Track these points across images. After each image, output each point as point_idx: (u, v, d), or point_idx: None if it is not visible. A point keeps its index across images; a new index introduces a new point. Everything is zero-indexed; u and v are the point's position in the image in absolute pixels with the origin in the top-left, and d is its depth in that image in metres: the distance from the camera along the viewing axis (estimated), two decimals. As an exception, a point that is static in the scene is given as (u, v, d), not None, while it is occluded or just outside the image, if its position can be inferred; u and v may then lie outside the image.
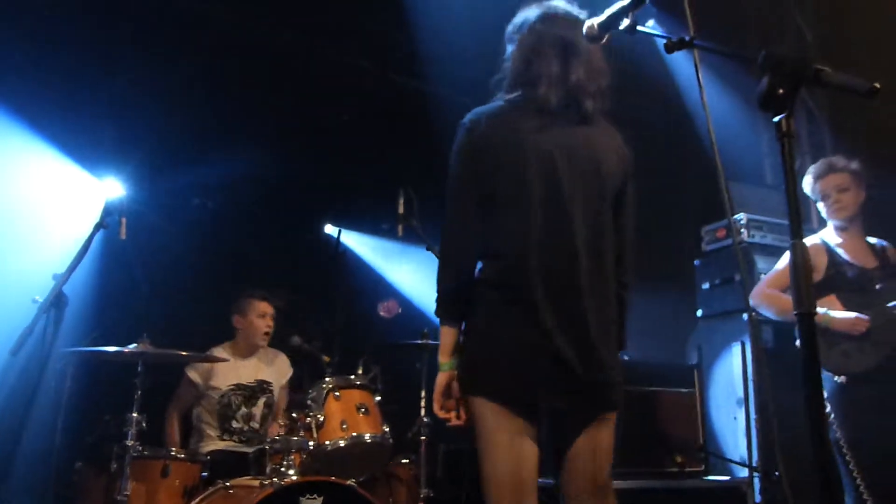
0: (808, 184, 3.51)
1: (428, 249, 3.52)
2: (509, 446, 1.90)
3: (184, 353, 3.15)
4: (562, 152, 1.99)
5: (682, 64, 4.67)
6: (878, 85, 1.15)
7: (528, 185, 1.96)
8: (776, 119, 1.28)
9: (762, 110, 1.29)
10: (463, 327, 2.02)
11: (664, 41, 1.59)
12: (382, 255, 5.32)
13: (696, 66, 1.60)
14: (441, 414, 2.04)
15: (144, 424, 2.87)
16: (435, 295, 2.02)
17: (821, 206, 3.51)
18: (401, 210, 3.54)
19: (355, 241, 5.28)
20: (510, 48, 2.12)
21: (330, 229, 5.19)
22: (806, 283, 1.21)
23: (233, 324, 3.93)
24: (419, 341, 3.59)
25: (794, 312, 1.23)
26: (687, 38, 1.54)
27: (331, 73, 4.91)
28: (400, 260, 5.21)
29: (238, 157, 4.67)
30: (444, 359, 2.02)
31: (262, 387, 3.88)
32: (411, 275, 5.21)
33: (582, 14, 2.07)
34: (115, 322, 3.64)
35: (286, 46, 4.80)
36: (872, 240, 3.51)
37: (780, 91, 1.27)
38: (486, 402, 1.92)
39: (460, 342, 2.01)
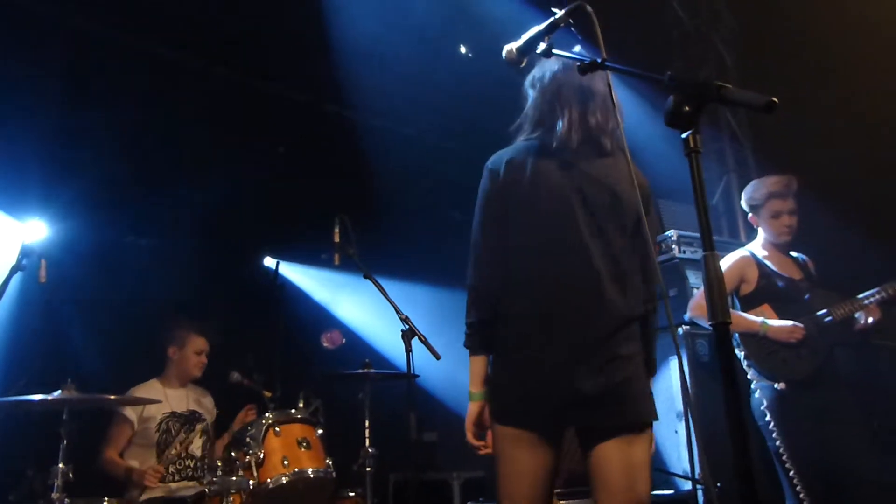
0: (758, 198, 3.53)
1: (366, 277, 3.49)
2: (519, 471, 2.00)
3: (112, 398, 3.04)
4: (581, 188, 2.12)
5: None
6: (775, 100, 1.20)
7: (551, 217, 2.09)
8: (683, 136, 1.32)
9: (670, 127, 1.33)
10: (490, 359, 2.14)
11: (578, 64, 1.62)
12: (322, 285, 5.27)
13: (609, 86, 1.64)
14: (473, 442, 2.16)
15: (71, 475, 2.75)
16: (465, 329, 2.14)
17: (764, 220, 3.54)
18: (337, 239, 3.50)
19: (294, 273, 5.21)
20: (531, 94, 2.27)
21: (269, 262, 5.11)
22: (720, 294, 1.24)
23: (167, 354, 3.85)
24: (361, 371, 3.54)
25: (709, 323, 1.25)
26: (599, 60, 1.58)
27: (263, 106, 4.90)
28: (340, 290, 5.17)
29: (172, 193, 4.60)
30: (476, 388, 2.13)
31: (195, 415, 3.82)
32: (352, 304, 5.17)
33: (599, 60, 2.18)
34: (38, 369, 3.49)
35: (219, 81, 4.77)
36: (794, 253, 3.64)
37: (686, 108, 1.31)
38: (503, 429, 2.03)
39: (488, 373, 2.13)
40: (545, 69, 2.23)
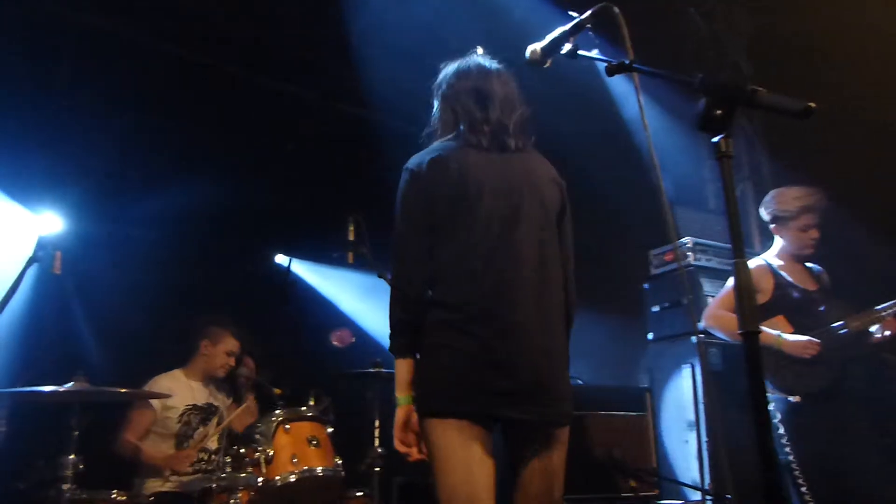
0: (791, 210, 3.45)
1: (379, 276, 3.46)
2: (463, 462, 1.94)
3: (122, 391, 3.03)
4: (503, 181, 2.14)
5: (628, 94, 4.77)
6: (812, 104, 1.18)
7: (474, 212, 2.08)
8: (714, 140, 1.30)
9: (700, 131, 1.31)
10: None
11: (605, 65, 1.61)
12: (334, 283, 5.26)
13: (636, 88, 1.62)
14: (402, 448, 2.08)
15: (82, 466, 2.75)
16: (388, 331, 2.10)
17: (790, 232, 3.48)
18: (350, 237, 3.49)
19: (306, 271, 5.21)
20: (435, 103, 2.33)
21: (280, 259, 5.11)
22: (749, 303, 1.21)
23: (198, 346, 3.85)
24: (371, 370, 3.53)
25: (739, 332, 1.23)
26: (626, 62, 1.56)
27: (276, 104, 4.90)
28: (351, 288, 5.16)
29: (185, 189, 4.59)
30: (402, 393, 2.07)
31: (212, 408, 3.83)
32: (363, 303, 5.16)
33: (493, 64, 2.30)
34: (50, 360, 3.49)
35: (231, 78, 4.78)
36: (809, 264, 3.60)
37: (718, 112, 1.29)
38: (439, 422, 1.97)
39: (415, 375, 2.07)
40: (442, 78, 2.31)
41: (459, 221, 2.08)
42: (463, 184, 2.09)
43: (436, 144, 2.22)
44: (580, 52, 1.81)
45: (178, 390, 3.69)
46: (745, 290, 1.21)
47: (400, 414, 2.06)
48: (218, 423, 3.81)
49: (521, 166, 2.19)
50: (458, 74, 2.27)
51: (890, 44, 4.25)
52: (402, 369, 2.06)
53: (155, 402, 3.64)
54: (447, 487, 1.94)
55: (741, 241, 1.25)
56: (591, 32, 1.87)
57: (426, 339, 2.04)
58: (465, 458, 1.93)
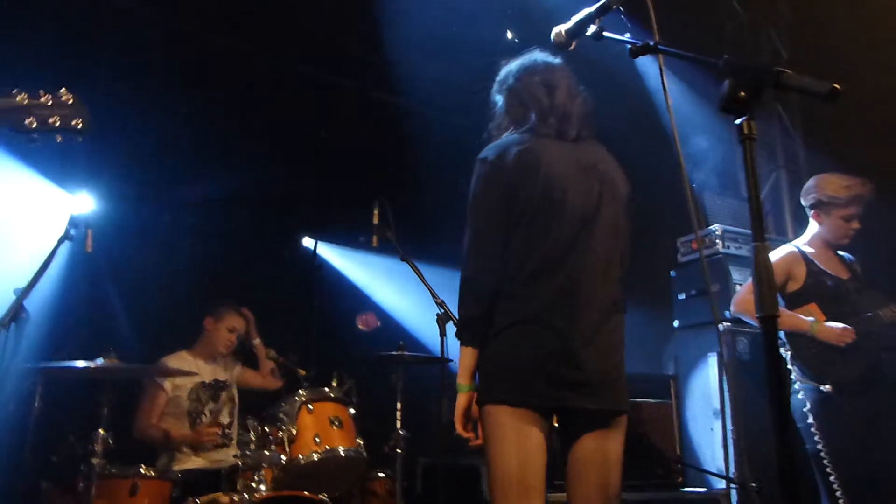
0: (842, 198, 3.37)
1: (403, 260, 3.49)
2: (519, 451, 1.97)
3: (152, 367, 3.09)
4: (576, 170, 2.15)
5: (658, 78, 4.70)
6: (838, 86, 1.15)
7: (552, 203, 2.08)
8: (737, 122, 1.27)
9: (724, 113, 1.28)
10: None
11: (629, 46, 1.58)
12: (360, 267, 5.29)
13: (661, 70, 1.60)
14: (465, 434, 2.13)
15: (111, 442, 2.82)
16: (457, 318, 2.12)
17: (832, 219, 3.40)
18: (375, 221, 3.51)
19: (332, 254, 5.25)
20: (500, 99, 2.33)
21: (307, 242, 5.15)
22: (768, 287, 1.19)
23: (203, 323, 3.92)
24: (395, 353, 3.55)
25: (757, 315, 1.21)
26: (651, 43, 1.53)
27: (305, 89, 4.93)
28: (376, 272, 5.19)
29: (215, 173, 4.66)
30: (465, 381, 2.10)
31: (219, 384, 3.89)
32: (388, 286, 5.18)
33: (556, 60, 2.32)
34: (81, 338, 3.57)
35: (263, 64, 4.81)
36: (841, 252, 3.53)
37: (742, 94, 1.27)
38: (501, 408, 2.00)
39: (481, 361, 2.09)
40: (507, 73, 2.33)
41: (542, 219, 2.08)
42: (548, 181, 2.09)
43: (512, 136, 2.21)
44: (605, 33, 1.78)
45: (187, 368, 3.74)
46: (763, 274, 1.19)
47: (462, 400, 2.10)
48: (229, 397, 3.89)
49: (593, 157, 2.21)
50: (526, 68, 2.29)
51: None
52: (468, 357, 2.08)
53: (165, 383, 3.70)
54: (502, 474, 1.98)
55: (762, 225, 1.23)
56: (623, 15, 1.84)
57: (495, 331, 2.05)
58: (522, 446, 1.96)
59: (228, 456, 3.59)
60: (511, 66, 2.34)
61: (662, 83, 1.61)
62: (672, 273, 4.40)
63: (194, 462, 3.60)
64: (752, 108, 1.27)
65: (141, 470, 3.04)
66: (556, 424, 2.09)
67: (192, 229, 4.75)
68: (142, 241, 4.40)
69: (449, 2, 4.29)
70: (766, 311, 1.19)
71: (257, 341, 4.08)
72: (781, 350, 3.42)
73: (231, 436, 3.79)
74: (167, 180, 4.61)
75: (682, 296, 4.26)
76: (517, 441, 1.96)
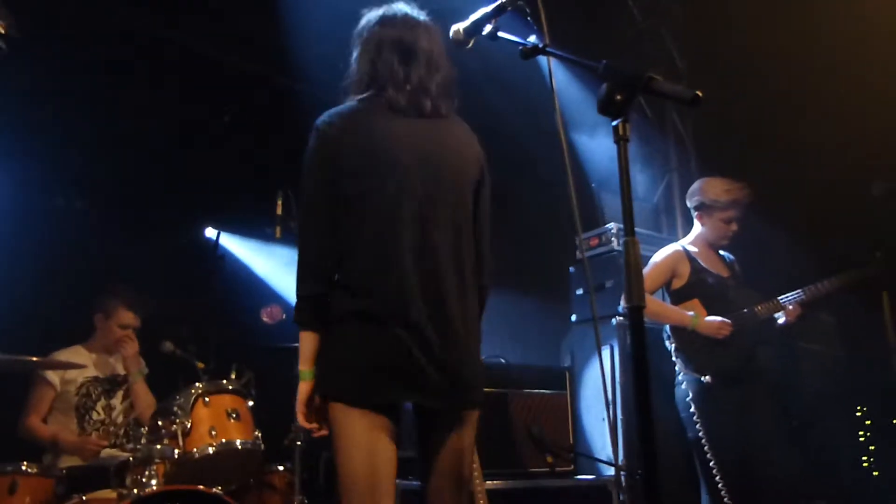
0: (722, 201, 3.54)
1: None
2: (365, 448, 1.89)
3: (35, 359, 2.94)
4: (417, 153, 2.01)
5: (563, 81, 4.85)
6: (699, 93, 1.24)
7: (385, 187, 1.96)
8: (613, 123, 1.35)
9: (601, 114, 1.36)
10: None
11: (520, 48, 1.65)
12: (263, 258, 5.21)
13: (549, 72, 1.67)
14: (306, 424, 2.01)
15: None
16: (295, 302, 1.99)
17: (714, 221, 3.58)
18: (279, 211, 3.48)
19: (235, 244, 5.14)
20: (355, 52, 2.15)
21: (211, 232, 5.02)
22: (637, 279, 1.28)
23: (93, 320, 3.77)
24: (296, 345, 3.52)
25: (625, 306, 1.30)
26: (540, 45, 1.60)
27: (208, 73, 4.80)
28: (280, 263, 5.12)
29: (112, 157, 4.47)
30: (306, 367, 1.98)
31: (117, 380, 3.76)
32: (290, 277, 5.12)
33: (421, 15, 2.14)
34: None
35: (165, 45, 4.65)
36: (722, 252, 3.77)
37: (618, 97, 1.35)
38: (343, 407, 1.91)
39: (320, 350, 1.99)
40: (364, 24, 2.14)
41: (369, 196, 1.95)
42: (374, 154, 1.96)
43: (348, 103, 2.06)
44: (500, 33, 1.84)
45: (80, 362, 3.60)
46: (633, 267, 1.27)
47: (304, 388, 1.98)
48: (125, 395, 3.75)
49: (439, 135, 2.06)
50: (383, 21, 2.10)
51: (820, 44, 4.43)
52: (308, 342, 1.97)
53: (54, 379, 3.56)
54: (348, 473, 1.89)
55: (632, 222, 1.32)
56: (529, 17, 1.89)
57: (332, 320, 1.95)
58: (368, 444, 1.88)
59: (120, 454, 3.47)
60: (370, 17, 2.14)
61: (551, 85, 1.68)
62: (571, 269, 4.56)
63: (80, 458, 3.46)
64: (626, 111, 1.35)
65: (22, 467, 2.90)
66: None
67: (87, 215, 4.55)
68: (28, 229, 4.18)
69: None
70: (633, 301, 1.28)
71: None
72: (667, 343, 3.63)
73: (125, 436, 3.63)
74: (58, 164, 4.39)
75: (579, 291, 4.42)
76: (361, 440, 1.88)
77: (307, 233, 2.00)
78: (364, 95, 2.08)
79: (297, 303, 1.98)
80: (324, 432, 2.00)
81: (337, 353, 1.94)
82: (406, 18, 2.11)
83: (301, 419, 2.00)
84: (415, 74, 2.04)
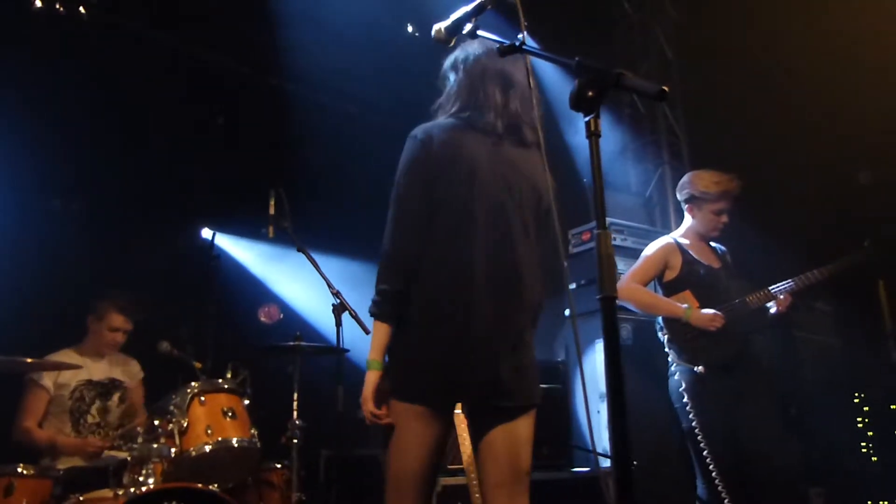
0: (712, 192, 3.57)
1: (299, 251, 3.51)
2: (418, 447, 2.01)
3: (28, 360, 2.97)
4: (505, 173, 2.15)
5: (557, 83, 4.87)
6: (665, 88, 1.27)
7: (474, 200, 2.09)
8: (585, 119, 1.37)
9: (574, 110, 1.38)
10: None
11: (498, 46, 1.67)
12: (257, 257, 5.24)
13: (527, 70, 1.69)
14: (376, 411, 2.08)
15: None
16: (374, 294, 2.07)
17: (704, 213, 3.61)
18: (272, 211, 3.50)
19: (230, 244, 5.17)
20: (453, 76, 2.28)
21: (206, 233, 5.05)
22: (608, 271, 1.30)
23: (86, 322, 3.79)
24: (292, 343, 3.56)
25: (598, 296, 1.32)
26: (517, 44, 1.62)
27: (202, 75, 4.82)
28: (275, 263, 5.16)
29: (107, 159, 4.50)
30: (376, 356, 2.07)
31: (114, 383, 3.79)
32: (285, 277, 5.16)
33: (519, 56, 2.22)
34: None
35: (159, 48, 4.68)
36: (713, 244, 3.79)
37: (590, 93, 1.37)
38: (402, 403, 2.03)
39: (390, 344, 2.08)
40: (468, 51, 2.26)
41: (452, 206, 2.08)
42: (464, 168, 2.10)
43: (447, 121, 2.20)
44: (480, 32, 1.87)
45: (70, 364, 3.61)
46: (605, 258, 1.30)
47: (372, 377, 2.07)
48: (121, 398, 3.77)
49: (519, 161, 2.21)
50: (488, 53, 2.22)
51: (807, 39, 4.46)
52: (382, 333, 2.06)
53: (48, 383, 3.57)
54: (398, 467, 2.02)
55: (604, 214, 1.34)
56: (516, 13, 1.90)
57: (407, 321, 2.05)
58: (421, 442, 2.00)
59: (118, 454, 3.50)
60: (473, 48, 2.26)
61: (529, 83, 1.70)
62: (564, 263, 4.58)
63: (79, 459, 3.49)
64: (598, 107, 1.37)
65: (18, 468, 2.91)
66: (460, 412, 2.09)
67: (82, 218, 4.58)
68: (25, 232, 4.20)
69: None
70: (605, 292, 1.30)
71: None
72: (659, 335, 3.65)
73: (121, 437, 3.65)
74: (56, 166, 4.42)
75: (573, 285, 4.45)
76: (416, 438, 2.00)
77: (397, 230, 2.09)
78: (459, 115, 2.20)
79: (377, 296, 2.07)
80: (389, 421, 2.06)
81: (403, 349, 2.05)
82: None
83: (371, 407, 2.07)
84: (513, 104, 2.18)
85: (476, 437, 2.11)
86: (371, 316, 2.08)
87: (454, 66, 2.28)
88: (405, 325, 2.06)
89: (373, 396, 2.07)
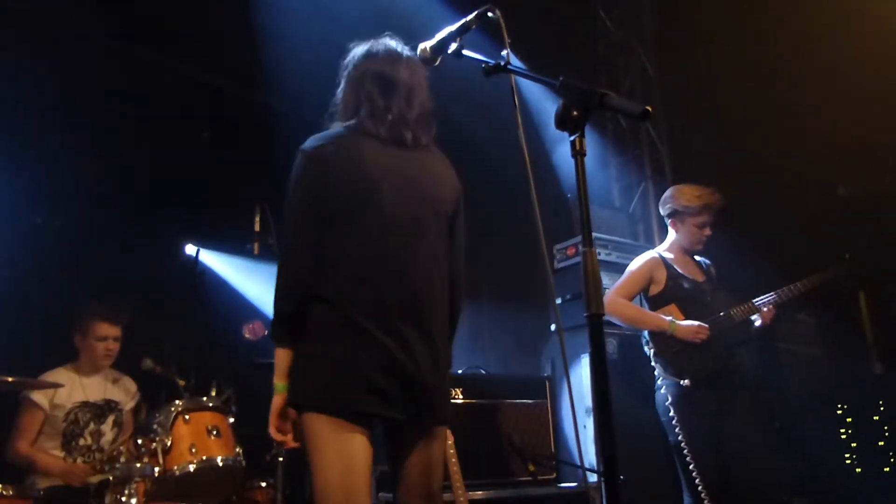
0: (693, 207, 3.59)
1: (284, 267, 3.49)
2: (340, 458, 1.92)
3: (10, 380, 2.93)
4: (399, 180, 2.09)
5: (538, 97, 4.91)
6: (649, 108, 1.29)
7: (369, 208, 2.03)
8: (570, 138, 1.39)
9: (559, 129, 1.40)
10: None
11: (483, 66, 1.69)
12: (242, 274, 5.22)
13: (512, 89, 1.70)
14: (277, 437, 2.05)
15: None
16: (272, 317, 2.03)
17: (687, 227, 3.64)
18: (257, 228, 3.50)
19: (216, 261, 5.14)
20: (342, 83, 2.24)
21: (190, 249, 5.02)
22: (595, 288, 1.31)
23: (74, 342, 3.74)
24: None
25: (585, 314, 1.33)
26: (501, 63, 1.64)
27: (188, 91, 4.82)
28: (258, 279, 5.13)
29: (91, 175, 4.47)
30: (281, 381, 2.02)
31: (110, 405, 3.72)
32: (269, 293, 5.13)
33: (405, 50, 2.22)
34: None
35: (144, 64, 4.68)
36: (698, 257, 3.82)
37: (574, 113, 1.39)
38: (319, 416, 1.94)
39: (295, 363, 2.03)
40: (350, 58, 2.23)
41: (356, 218, 2.02)
42: (361, 177, 2.03)
43: (335, 129, 2.14)
44: (464, 52, 1.88)
45: (69, 385, 3.58)
46: (591, 276, 1.31)
47: (277, 401, 2.03)
48: (115, 421, 3.72)
49: (419, 165, 2.15)
50: (367, 56, 2.19)
51: (789, 50, 4.52)
52: (284, 358, 2.01)
53: (44, 402, 3.52)
54: (324, 482, 1.92)
55: (590, 232, 1.36)
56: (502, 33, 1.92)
57: (310, 332, 1.99)
58: (343, 453, 1.91)
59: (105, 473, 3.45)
60: (357, 51, 2.23)
61: (514, 101, 1.72)
62: (550, 278, 4.59)
63: (61, 479, 3.44)
64: (582, 126, 1.39)
65: (-1, 489, 2.89)
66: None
67: (65, 234, 4.54)
68: (8, 247, 4.16)
69: (331, 9, 4.32)
70: (592, 309, 1.32)
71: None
72: (645, 348, 3.67)
73: (112, 457, 3.59)
74: (39, 181, 4.39)
75: (558, 300, 4.46)
76: (336, 449, 1.91)
77: (293, 251, 2.03)
78: (348, 123, 2.15)
79: (275, 319, 2.02)
80: (295, 445, 2.05)
81: (311, 364, 1.98)
82: (388, 52, 2.20)
83: (274, 431, 2.04)
84: (395, 106, 2.12)
85: (391, 457, 2.09)
86: (272, 340, 2.04)
87: (340, 73, 2.25)
88: (314, 339, 1.98)
89: (277, 420, 2.04)
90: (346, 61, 2.25)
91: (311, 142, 2.11)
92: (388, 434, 2.09)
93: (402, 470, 2.08)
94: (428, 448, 2.07)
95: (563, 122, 1.39)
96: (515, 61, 1.75)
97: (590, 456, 3.97)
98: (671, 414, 3.48)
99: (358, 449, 1.94)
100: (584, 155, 1.37)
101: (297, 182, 2.07)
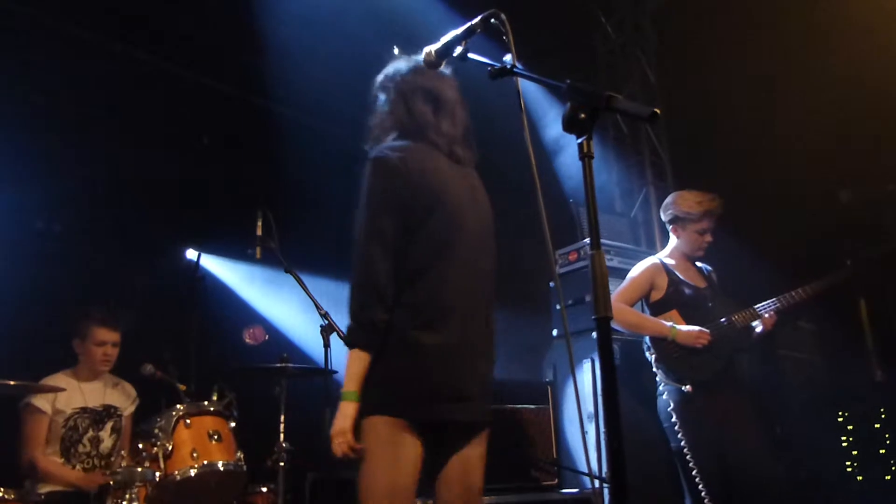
0: (695, 213, 3.60)
1: (287, 272, 3.49)
2: (399, 461, 1.96)
3: (12, 383, 2.91)
4: (465, 192, 2.19)
5: (539, 102, 4.92)
6: (657, 110, 1.29)
7: (441, 216, 2.08)
8: (578, 141, 1.39)
9: (566, 132, 1.40)
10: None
11: (489, 69, 1.69)
12: (243, 278, 5.21)
13: (518, 92, 1.71)
14: (356, 445, 1.97)
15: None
16: (352, 323, 2.01)
17: (688, 233, 3.65)
18: (259, 232, 3.49)
19: (217, 266, 5.13)
20: (383, 96, 2.26)
21: (191, 254, 5.02)
22: (603, 291, 1.31)
23: (72, 347, 3.72)
24: (279, 365, 3.53)
25: (593, 317, 1.33)
26: (508, 67, 1.64)
27: (187, 95, 4.83)
28: (261, 284, 5.13)
29: (91, 181, 4.47)
30: (354, 387, 1.98)
31: (109, 411, 3.71)
32: (272, 298, 5.13)
33: (446, 71, 2.25)
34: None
35: (144, 67, 4.68)
36: (699, 263, 3.82)
37: (582, 116, 1.39)
38: (388, 420, 1.96)
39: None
40: (394, 71, 2.25)
41: (435, 228, 2.06)
42: (434, 187, 2.09)
43: (407, 143, 2.15)
44: (470, 55, 1.89)
45: (69, 390, 3.56)
46: (599, 279, 1.31)
47: (350, 409, 1.97)
48: (114, 427, 3.71)
49: (471, 181, 2.25)
50: (415, 70, 2.21)
51: (788, 59, 4.54)
52: (360, 364, 1.98)
53: (46, 407, 3.50)
54: (377, 481, 1.94)
55: (598, 235, 1.36)
56: (505, 37, 1.92)
57: (392, 340, 2.00)
58: (404, 457, 1.95)
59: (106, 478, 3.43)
60: (399, 65, 2.26)
61: (520, 104, 1.72)
62: (551, 284, 4.60)
63: (63, 483, 3.43)
64: (590, 129, 1.39)
65: (-1, 493, 2.89)
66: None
67: (66, 239, 4.54)
68: (7, 253, 4.16)
69: (336, 15, 4.34)
70: (600, 312, 1.31)
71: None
72: (647, 354, 3.66)
73: (111, 463, 3.58)
74: (40, 188, 4.39)
75: (559, 306, 4.45)
76: (397, 452, 1.95)
77: (372, 258, 2.02)
78: (409, 136, 2.18)
79: (357, 325, 2.00)
80: (355, 452, 1.98)
81: (389, 371, 1.99)
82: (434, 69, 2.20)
83: (348, 439, 1.96)
84: (444, 123, 2.20)
85: (437, 460, 2.09)
86: (353, 346, 2.00)
87: (383, 86, 2.26)
88: (393, 351, 1.99)
89: (351, 429, 1.97)
90: (389, 74, 2.26)
91: (387, 150, 2.11)
92: (438, 436, 2.06)
93: (445, 467, 2.09)
94: (471, 450, 2.10)
95: (570, 124, 1.39)
96: (519, 66, 1.76)
97: (592, 462, 3.95)
98: (673, 420, 3.47)
99: (413, 455, 1.97)
100: (592, 157, 1.37)
101: (381, 190, 2.07)
